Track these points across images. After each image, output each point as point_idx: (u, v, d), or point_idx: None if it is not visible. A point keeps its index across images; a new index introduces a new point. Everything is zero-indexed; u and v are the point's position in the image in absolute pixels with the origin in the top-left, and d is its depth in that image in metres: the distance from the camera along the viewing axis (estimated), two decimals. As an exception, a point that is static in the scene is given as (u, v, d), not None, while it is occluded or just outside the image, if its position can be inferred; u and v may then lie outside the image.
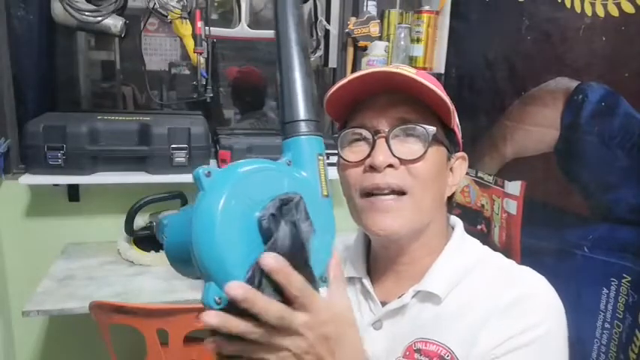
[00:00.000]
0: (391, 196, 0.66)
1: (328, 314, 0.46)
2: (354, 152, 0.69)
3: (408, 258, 0.71)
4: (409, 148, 0.66)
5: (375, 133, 0.67)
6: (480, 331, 0.63)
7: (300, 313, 0.44)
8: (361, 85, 0.67)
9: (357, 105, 0.70)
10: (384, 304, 0.72)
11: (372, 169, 0.66)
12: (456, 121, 0.72)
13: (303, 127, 0.50)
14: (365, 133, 0.68)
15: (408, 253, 0.71)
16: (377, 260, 0.76)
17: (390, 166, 0.65)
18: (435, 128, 0.67)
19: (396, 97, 0.67)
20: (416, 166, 0.66)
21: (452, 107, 0.67)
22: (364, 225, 0.69)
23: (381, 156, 0.65)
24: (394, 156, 0.65)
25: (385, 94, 0.68)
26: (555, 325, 0.64)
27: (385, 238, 0.70)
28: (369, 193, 0.67)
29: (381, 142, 0.66)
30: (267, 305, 0.42)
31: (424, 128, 0.66)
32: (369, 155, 0.66)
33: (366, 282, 0.74)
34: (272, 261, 0.42)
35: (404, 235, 0.68)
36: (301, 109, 0.50)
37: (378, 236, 0.69)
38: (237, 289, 0.41)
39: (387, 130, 0.66)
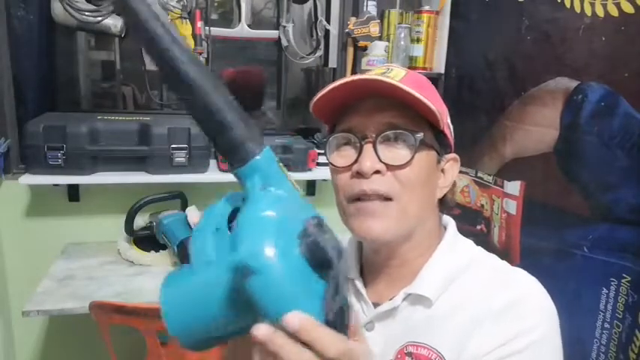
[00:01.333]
0: (377, 201, 0.65)
1: None
2: (342, 157, 0.68)
3: (398, 260, 0.71)
4: (396, 153, 0.65)
5: (363, 138, 0.65)
6: (472, 334, 0.63)
7: None
8: (347, 90, 0.66)
9: (345, 109, 0.69)
10: (376, 305, 0.71)
11: (359, 174, 0.65)
12: (447, 123, 0.70)
13: (252, 147, 0.45)
14: (352, 138, 0.67)
15: (399, 255, 0.70)
16: (368, 262, 0.75)
17: (377, 172, 0.64)
18: (422, 134, 0.65)
19: (384, 101, 0.65)
20: (403, 172, 0.65)
21: (440, 111, 0.65)
22: (351, 229, 0.68)
23: (368, 162, 0.64)
24: (381, 162, 0.64)
25: (372, 99, 0.66)
26: (549, 328, 0.63)
27: (373, 242, 0.69)
28: (356, 199, 0.66)
29: (368, 148, 0.65)
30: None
31: (411, 133, 0.65)
32: (356, 161, 0.65)
33: (359, 283, 0.74)
34: (296, 320, 0.38)
35: (391, 239, 0.67)
36: (241, 130, 0.44)
37: (365, 240, 0.69)
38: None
39: (374, 135, 0.65)
